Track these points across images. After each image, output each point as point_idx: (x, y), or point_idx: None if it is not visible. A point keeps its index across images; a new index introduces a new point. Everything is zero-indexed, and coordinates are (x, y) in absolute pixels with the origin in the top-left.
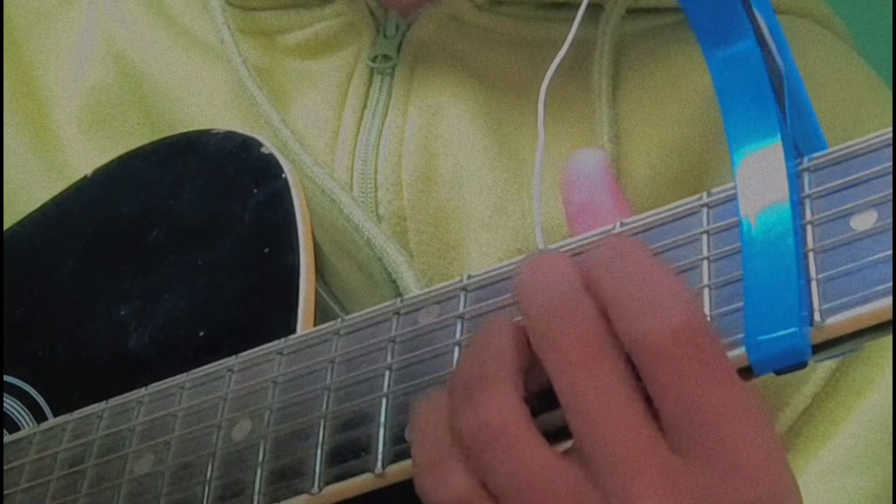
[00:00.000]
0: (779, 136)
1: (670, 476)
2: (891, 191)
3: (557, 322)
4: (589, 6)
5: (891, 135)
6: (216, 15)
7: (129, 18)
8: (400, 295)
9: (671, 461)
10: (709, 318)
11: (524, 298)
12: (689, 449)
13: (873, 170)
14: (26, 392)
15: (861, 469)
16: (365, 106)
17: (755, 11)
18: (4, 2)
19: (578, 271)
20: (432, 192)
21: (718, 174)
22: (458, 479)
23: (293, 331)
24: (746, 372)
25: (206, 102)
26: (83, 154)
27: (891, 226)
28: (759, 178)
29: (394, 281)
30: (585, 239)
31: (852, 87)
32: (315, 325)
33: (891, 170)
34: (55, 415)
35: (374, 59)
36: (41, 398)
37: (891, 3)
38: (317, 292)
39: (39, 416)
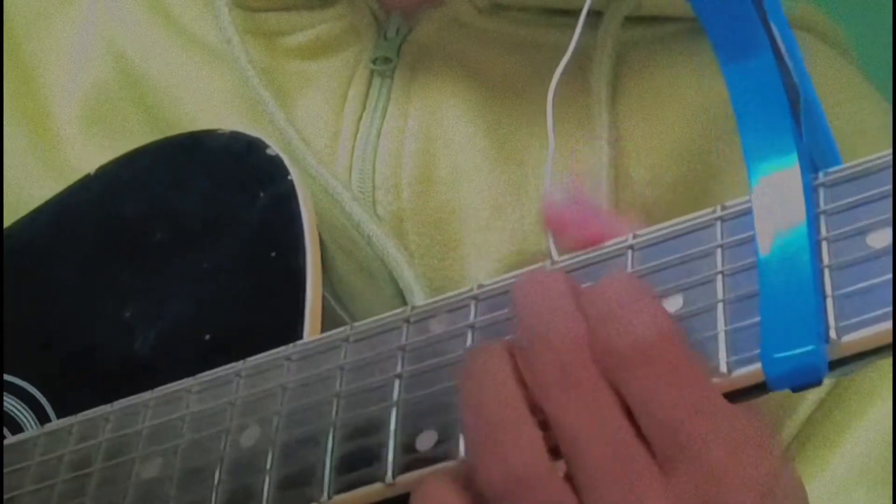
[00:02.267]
0: (796, 156)
1: (658, 499)
2: None
3: (536, 346)
4: (590, 14)
5: None
6: (222, 15)
7: (129, 18)
8: (401, 294)
9: (657, 482)
10: (678, 329)
11: (517, 321)
12: (672, 461)
13: (890, 186)
14: (29, 393)
15: (872, 478)
16: (364, 107)
17: (771, 24)
18: (4, 1)
19: (570, 290)
20: (431, 193)
21: (721, 177)
22: None
23: (299, 335)
24: (762, 387)
25: (206, 102)
26: (83, 153)
27: None
28: (776, 197)
29: (395, 280)
30: (600, 251)
31: (852, 103)
32: (321, 329)
33: None
34: (58, 416)
35: (374, 61)
36: (44, 399)
37: (891, 4)
38: (324, 297)
39: (42, 417)
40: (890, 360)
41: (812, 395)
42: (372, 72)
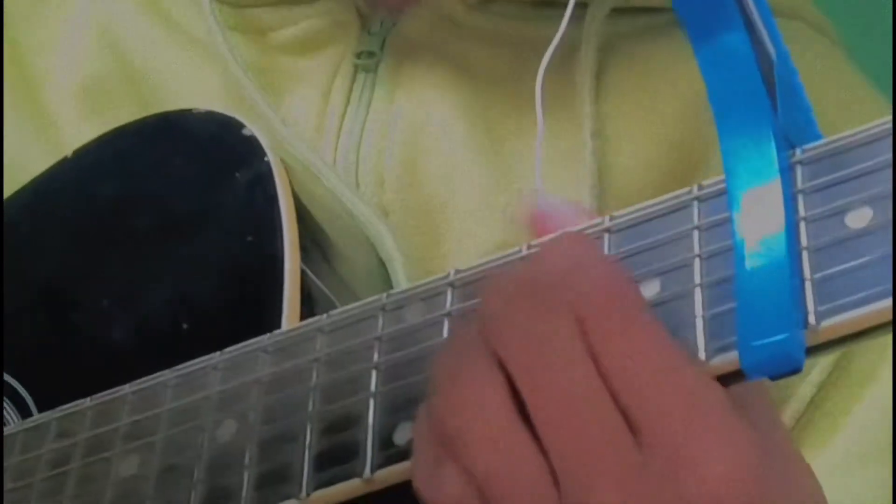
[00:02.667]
0: (771, 134)
1: (629, 480)
2: (885, 187)
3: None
4: (578, 5)
5: (886, 126)
6: (205, 11)
7: (126, 14)
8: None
9: (631, 461)
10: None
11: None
12: (641, 436)
13: (868, 163)
14: (9, 384)
15: (872, 459)
16: (348, 101)
17: None
18: None
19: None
20: (417, 187)
21: (711, 167)
22: (450, 481)
23: (278, 323)
24: (741, 375)
25: (201, 98)
26: (80, 142)
27: (886, 224)
28: (752, 177)
29: (383, 262)
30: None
31: (843, 91)
32: (302, 314)
33: (885, 164)
34: (38, 406)
35: (358, 56)
36: (23, 388)
37: (891, 4)
38: (304, 279)
39: (22, 407)
40: (888, 340)
41: (812, 377)
42: (356, 66)
